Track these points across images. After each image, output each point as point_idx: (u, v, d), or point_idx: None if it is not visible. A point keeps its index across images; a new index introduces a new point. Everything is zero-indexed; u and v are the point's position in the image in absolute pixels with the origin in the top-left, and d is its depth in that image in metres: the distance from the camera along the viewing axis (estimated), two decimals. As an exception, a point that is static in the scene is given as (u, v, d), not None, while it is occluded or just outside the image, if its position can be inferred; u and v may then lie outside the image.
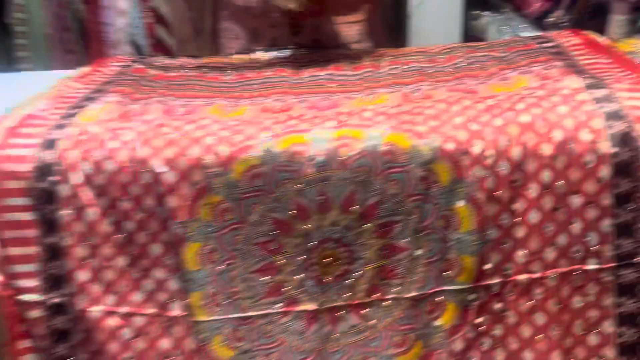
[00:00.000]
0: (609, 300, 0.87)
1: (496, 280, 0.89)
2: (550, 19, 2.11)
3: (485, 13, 2.22)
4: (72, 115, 0.97)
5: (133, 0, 2.14)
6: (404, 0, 2.09)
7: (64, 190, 0.89)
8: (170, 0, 1.99)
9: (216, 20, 1.60)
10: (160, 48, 2.15)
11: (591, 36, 1.20)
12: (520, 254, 0.88)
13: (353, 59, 1.25)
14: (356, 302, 0.92)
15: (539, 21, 2.13)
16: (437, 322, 0.91)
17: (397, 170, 0.86)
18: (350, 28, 1.47)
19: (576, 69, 1.00)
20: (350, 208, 0.87)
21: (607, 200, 0.85)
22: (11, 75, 1.84)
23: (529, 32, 1.87)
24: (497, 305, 0.89)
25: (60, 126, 0.94)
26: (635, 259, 0.85)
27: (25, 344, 0.93)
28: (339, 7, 1.47)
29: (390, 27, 2.21)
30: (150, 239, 0.91)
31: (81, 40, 2.22)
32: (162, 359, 0.94)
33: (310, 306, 0.92)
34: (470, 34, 2.17)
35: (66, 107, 1.02)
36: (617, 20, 2.03)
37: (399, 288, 0.91)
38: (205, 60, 1.33)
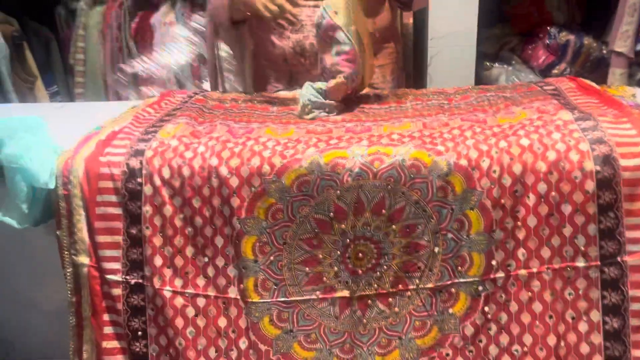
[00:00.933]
0: (595, 293, 1.03)
1: (501, 274, 1.05)
2: (555, 71, 2.34)
3: (496, 64, 2.45)
4: (153, 131, 1.18)
5: (181, 46, 2.41)
6: (423, 52, 2.33)
7: (147, 190, 1.09)
8: (214, 46, 2.21)
9: (256, 65, 1.80)
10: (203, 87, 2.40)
11: (585, 82, 1.40)
12: (521, 253, 1.05)
13: (379, 96, 1.46)
14: (383, 291, 1.09)
15: (544, 73, 2.36)
16: (451, 310, 1.07)
17: (419, 181, 1.04)
18: (375, 70, 1.65)
19: (569, 106, 1.19)
20: (381, 211, 1.06)
21: (592, 209, 1.02)
22: (76, 104, 2.10)
23: (535, 81, 2.08)
24: (502, 296, 1.06)
25: (144, 140, 1.15)
26: (617, 258, 1.02)
27: (106, 317, 1.11)
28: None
29: (411, 75, 2.44)
30: (214, 233, 1.10)
31: (133, 80, 2.48)
32: (219, 335, 1.10)
33: (345, 294, 1.09)
34: (483, 83, 2.39)
35: (145, 126, 1.24)
36: (616, 73, 2.24)
37: (420, 280, 1.08)
38: (255, 94, 1.55)
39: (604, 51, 2.29)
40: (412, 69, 2.45)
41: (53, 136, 1.22)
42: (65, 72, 2.52)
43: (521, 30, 2.49)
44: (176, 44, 2.34)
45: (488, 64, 2.44)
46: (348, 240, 1.08)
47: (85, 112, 1.66)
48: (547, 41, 2.36)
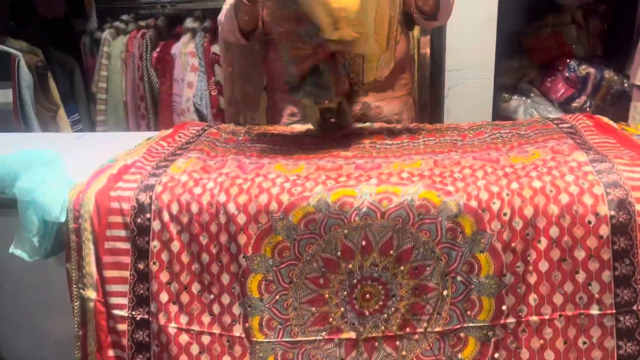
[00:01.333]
0: (610, 343, 0.99)
1: (511, 320, 1.02)
2: (575, 104, 2.31)
3: (515, 96, 2.43)
4: (164, 166, 1.19)
5: (200, 76, 2.45)
6: (440, 83, 2.33)
7: (155, 225, 1.10)
8: (232, 77, 2.24)
9: (269, 98, 1.81)
10: (222, 117, 2.42)
11: (602, 120, 1.37)
12: (532, 298, 1.02)
13: (392, 131, 1.45)
14: (390, 334, 1.06)
15: (564, 106, 2.34)
16: (460, 355, 1.04)
17: (428, 222, 1.03)
18: (389, 103, 1.65)
19: (584, 146, 1.17)
20: (389, 252, 1.04)
21: (606, 254, 0.99)
22: (94, 134, 2.14)
23: (554, 115, 2.05)
24: (513, 342, 1.03)
25: (154, 174, 1.16)
26: (632, 307, 0.98)
27: (111, 352, 1.11)
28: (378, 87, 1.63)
29: (427, 106, 2.44)
30: (221, 270, 1.09)
31: (153, 108, 2.53)
32: (223, 374, 1.09)
33: (351, 335, 1.07)
34: (501, 115, 2.37)
35: (157, 160, 1.25)
36: (638, 107, 2.20)
37: (428, 323, 1.05)
38: (268, 127, 1.56)
39: (625, 84, 2.26)
40: (429, 101, 2.45)
41: (68, 169, 1.24)
42: (87, 100, 2.57)
43: (540, 63, 2.47)
44: (195, 73, 2.38)
45: (506, 95, 2.42)
46: (355, 280, 1.06)
47: (102, 143, 1.68)
48: (567, 74, 2.33)
